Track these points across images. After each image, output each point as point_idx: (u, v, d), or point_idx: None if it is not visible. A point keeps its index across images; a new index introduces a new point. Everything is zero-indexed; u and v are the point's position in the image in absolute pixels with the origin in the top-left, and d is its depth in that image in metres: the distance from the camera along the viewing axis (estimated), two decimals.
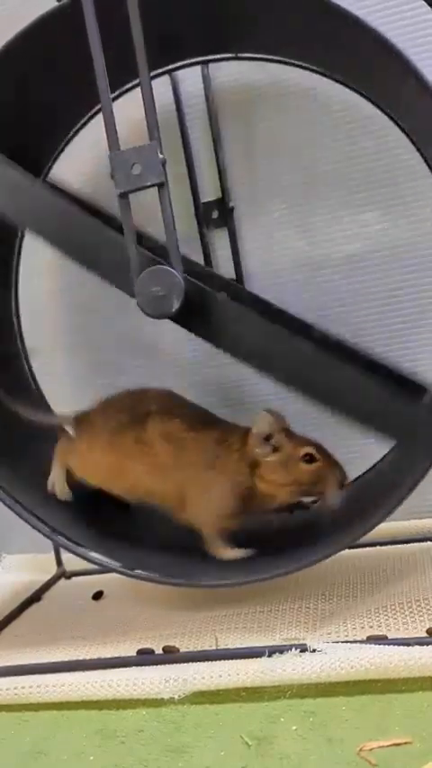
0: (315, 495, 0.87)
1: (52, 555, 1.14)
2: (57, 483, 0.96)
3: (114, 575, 0.88)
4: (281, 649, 0.76)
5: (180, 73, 1.03)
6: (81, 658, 0.85)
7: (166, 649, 0.82)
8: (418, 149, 0.91)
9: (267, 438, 0.86)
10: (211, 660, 0.78)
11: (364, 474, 0.98)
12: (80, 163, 1.09)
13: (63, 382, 1.11)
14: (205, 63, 1.00)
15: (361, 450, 1.03)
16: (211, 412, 0.96)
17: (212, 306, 0.78)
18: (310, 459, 0.86)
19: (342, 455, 1.05)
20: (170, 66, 0.99)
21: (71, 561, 1.10)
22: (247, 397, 1.08)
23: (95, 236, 0.80)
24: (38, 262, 1.10)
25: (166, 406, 0.92)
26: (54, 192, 0.87)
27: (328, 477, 0.86)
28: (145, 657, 0.82)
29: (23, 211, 0.84)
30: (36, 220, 0.83)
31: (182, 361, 1.12)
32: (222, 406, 1.03)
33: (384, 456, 0.97)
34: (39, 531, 0.88)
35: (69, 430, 0.97)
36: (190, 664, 0.79)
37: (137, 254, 0.77)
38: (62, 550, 1.07)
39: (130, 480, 0.91)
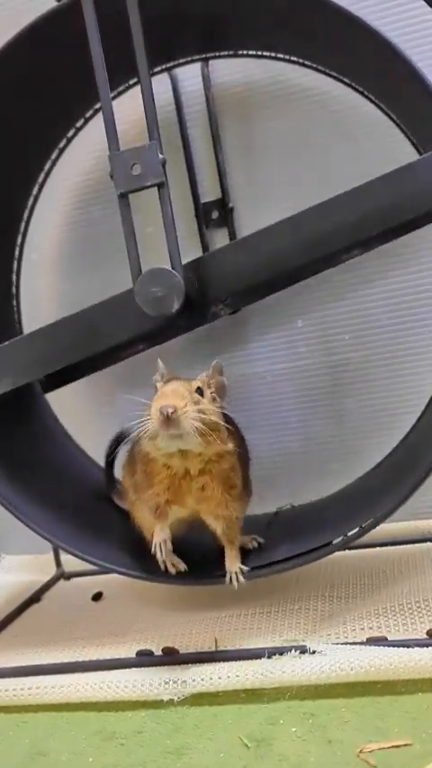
0: None
1: (52, 556, 1.14)
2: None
3: (114, 575, 0.87)
4: (280, 651, 0.76)
5: (180, 73, 1.03)
6: (80, 659, 0.85)
7: (166, 651, 0.82)
8: (418, 150, 0.91)
9: None
10: (211, 662, 0.78)
11: (365, 474, 0.98)
12: (80, 163, 1.09)
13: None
14: (204, 60, 1.00)
15: (363, 450, 1.04)
16: None
17: None
18: None
19: (344, 454, 1.06)
20: (169, 64, 0.99)
21: (70, 562, 1.10)
22: (248, 396, 1.08)
23: None
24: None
25: None
26: None
27: None
28: (144, 659, 0.82)
29: None
30: None
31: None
32: None
33: (386, 456, 0.97)
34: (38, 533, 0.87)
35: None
36: (189, 665, 0.79)
37: (136, 255, 0.76)
38: (61, 551, 1.07)
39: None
